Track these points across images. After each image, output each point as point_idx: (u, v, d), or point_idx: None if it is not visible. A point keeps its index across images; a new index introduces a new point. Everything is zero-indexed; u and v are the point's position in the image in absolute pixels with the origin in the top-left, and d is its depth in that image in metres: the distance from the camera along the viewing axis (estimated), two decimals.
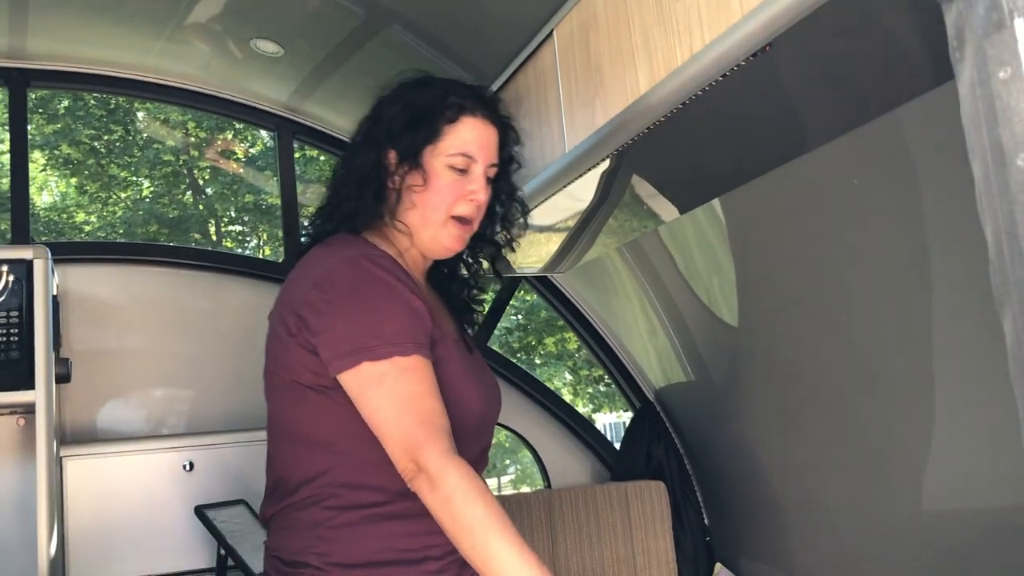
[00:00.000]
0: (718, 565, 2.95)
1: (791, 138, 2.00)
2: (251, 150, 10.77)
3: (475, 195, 1.55)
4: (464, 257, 1.71)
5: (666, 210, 2.54)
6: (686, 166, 2.30)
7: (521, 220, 1.75)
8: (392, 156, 1.55)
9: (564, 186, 2.02)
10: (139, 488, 2.45)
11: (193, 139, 10.59)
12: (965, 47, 0.64)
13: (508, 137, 1.65)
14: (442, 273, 1.71)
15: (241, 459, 2.56)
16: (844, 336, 2.31)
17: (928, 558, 2.29)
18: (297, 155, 3.09)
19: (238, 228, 11.25)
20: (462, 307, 1.72)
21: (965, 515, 2.19)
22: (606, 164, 2.00)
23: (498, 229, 1.69)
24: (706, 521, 3.07)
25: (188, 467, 2.50)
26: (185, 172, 10.82)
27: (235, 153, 10.55)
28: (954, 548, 2.22)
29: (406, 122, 1.54)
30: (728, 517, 3.01)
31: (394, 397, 1.36)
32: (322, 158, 9.65)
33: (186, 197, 10.96)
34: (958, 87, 0.65)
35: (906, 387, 2.18)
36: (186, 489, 2.47)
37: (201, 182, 11.03)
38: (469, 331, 1.74)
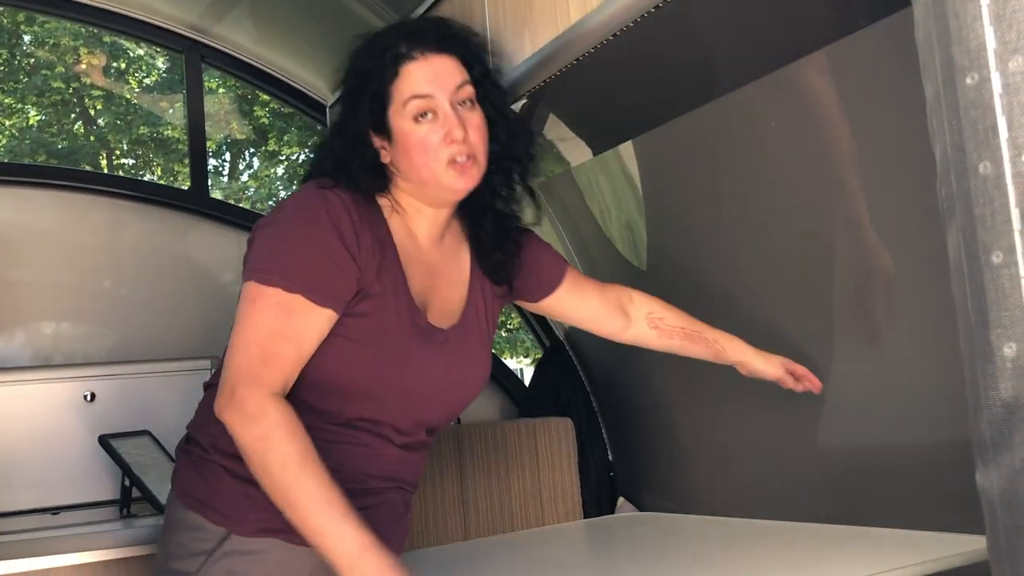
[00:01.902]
0: (620, 499, 3.03)
1: (711, 79, 2.03)
2: (146, 80, 10.36)
3: (451, 133, 1.42)
4: (494, 188, 1.56)
5: (580, 151, 2.56)
6: (604, 105, 2.31)
7: (522, 132, 1.58)
8: (369, 132, 1.47)
9: None
10: (38, 419, 2.37)
11: (84, 66, 10.13)
12: None
13: (467, 51, 1.49)
14: (477, 223, 1.59)
15: (144, 390, 2.50)
16: (748, 278, 2.38)
17: (818, 494, 2.40)
18: None
19: (131, 161, 10.85)
20: (490, 251, 1.60)
21: (856, 452, 2.29)
22: (524, 101, 1.99)
23: (504, 147, 1.53)
24: (610, 457, 3.14)
25: (89, 398, 2.43)
26: (75, 101, 10.35)
27: (113, 68, 10.10)
28: (843, 484, 2.33)
29: (359, 96, 1.46)
30: (631, 453, 3.09)
31: (254, 323, 1.35)
32: (221, 90, 9.37)
33: (76, 127, 10.50)
34: (913, 8, 0.67)
35: (806, 329, 2.26)
36: (88, 420, 2.40)
37: (92, 112, 10.57)
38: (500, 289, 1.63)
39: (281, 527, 1.33)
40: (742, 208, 2.26)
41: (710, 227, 2.42)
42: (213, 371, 1.57)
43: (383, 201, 1.49)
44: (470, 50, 1.49)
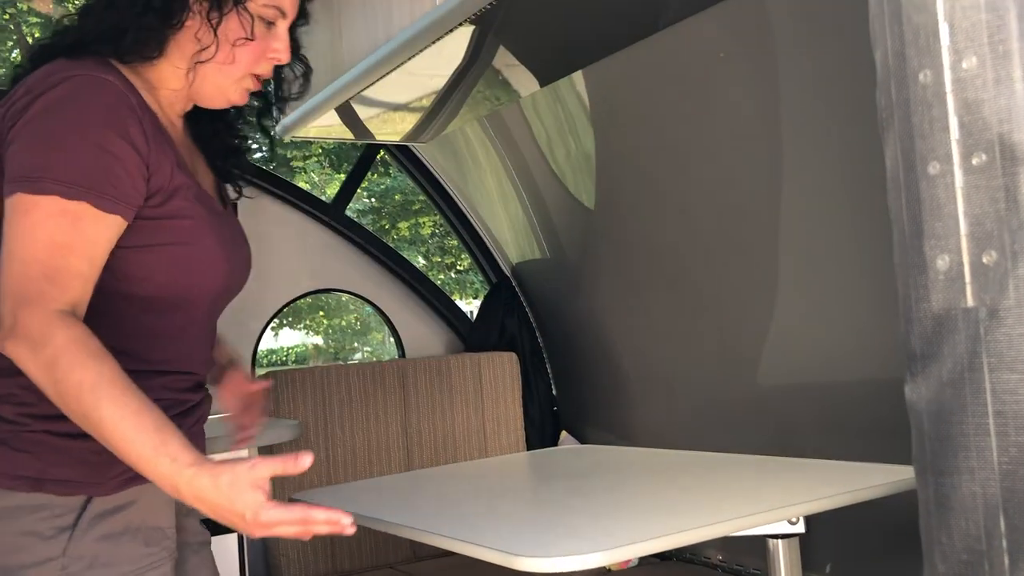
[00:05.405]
0: (563, 432, 3.05)
1: (659, 8, 2.00)
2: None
3: (278, 54, 1.33)
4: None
5: (527, 82, 2.52)
6: (552, 34, 2.26)
7: (299, 83, 1.48)
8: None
9: (432, 43, 1.96)
10: None
11: None
12: None
13: None
14: (202, 114, 1.44)
15: None
16: (695, 215, 2.38)
17: (756, 427, 2.44)
18: None
19: None
20: (222, 154, 1.47)
21: (793, 388, 2.32)
22: (471, 29, 1.94)
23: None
24: (554, 391, 3.16)
25: None
26: (12, 28, 10.00)
27: None
28: (781, 418, 2.37)
29: None
30: (575, 387, 3.11)
31: (32, 237, 1.14)
32: None
33: (14, 56, 10.16)
34: None
35: (749, 268, 2.27)
36: None
37: (30, 39, 10.22)
38: (229, 188, 1.49)
39: None
40: (690, 141, 2.25)
41: (656, 161, 2.41)
42: None
43: (137, 81, 1.29)
44: None
